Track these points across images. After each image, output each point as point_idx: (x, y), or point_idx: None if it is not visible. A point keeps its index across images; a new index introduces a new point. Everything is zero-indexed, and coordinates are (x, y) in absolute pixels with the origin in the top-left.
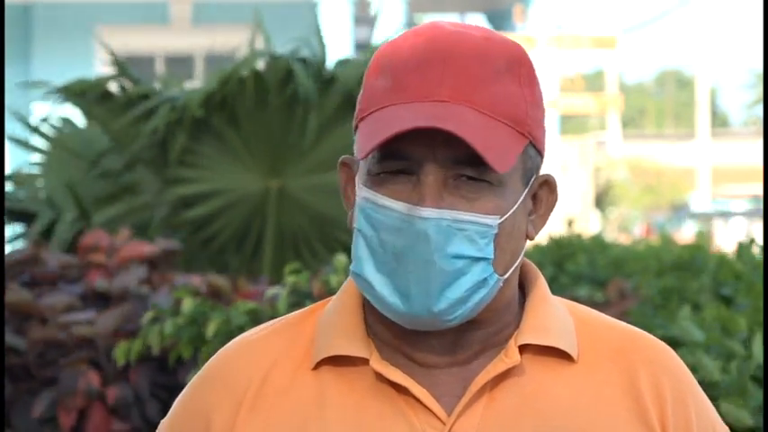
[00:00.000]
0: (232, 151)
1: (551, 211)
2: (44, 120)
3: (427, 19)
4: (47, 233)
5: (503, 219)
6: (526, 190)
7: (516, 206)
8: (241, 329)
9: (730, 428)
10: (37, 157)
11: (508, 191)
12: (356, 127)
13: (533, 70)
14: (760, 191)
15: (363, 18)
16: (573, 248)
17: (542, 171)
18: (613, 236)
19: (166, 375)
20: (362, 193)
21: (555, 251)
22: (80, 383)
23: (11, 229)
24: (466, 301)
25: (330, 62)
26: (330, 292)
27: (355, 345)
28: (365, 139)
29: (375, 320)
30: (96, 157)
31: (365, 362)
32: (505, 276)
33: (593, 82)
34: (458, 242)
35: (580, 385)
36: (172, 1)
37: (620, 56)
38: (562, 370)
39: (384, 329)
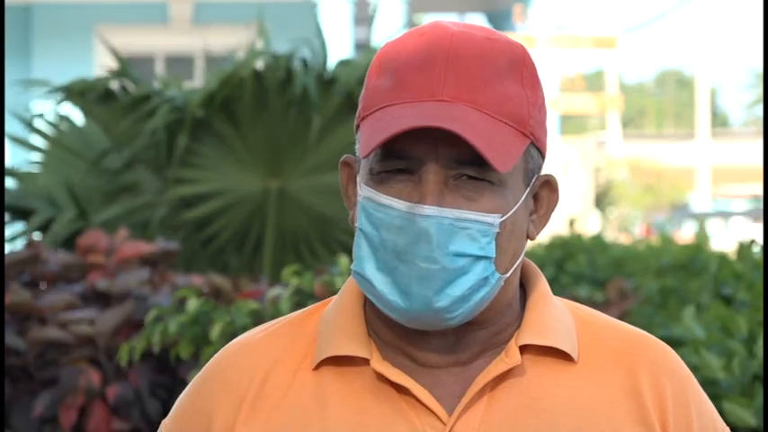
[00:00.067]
0: (232, 151)
1: (552, 211)
2: (40, 115)
3: (427, 19)
4: (45, 230)
5: (504, 217)
6: (527, 190)
7: (517, 206)
8: (244, 330)
9: (733, 429)
10: (36, 156)
11: (509, 191)
12: (358, 126)
13: (536, 71)
14: (760, 191)
15: (363, 18)
16: (573, 248)
17: (543, 171)
18: (613, 236)
19: (167, 374)
20: (364, 191)
21: (556, 251)
22: (81, 381)
23: (11, 229)
24: (467, 300)
25: (330, 62)
26: (334, 293)
27: (356, 345)
28: (367, 138)
29: (376, 320)
30: (96, 156)
31: (366, 362)
32: (506, 276)
33: (593, 82)
34: (459, 240)
35: (581, 385)
36: (172, 1)
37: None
38: (563, 370)
39: (385, 329)
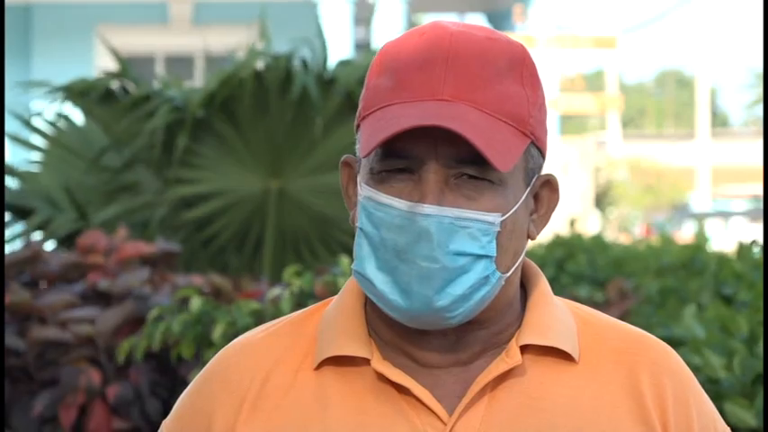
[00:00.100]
0: (232, 152)
1: (553, 210)
2: (38, 114)
3: (427, 19)
4: (45, 229)
5: (504, 216)
6: (528, 189)
7: (518, 205)
8: (246, 330)
9: (734, 429)
10: (36, 156)
11: (510, 190)
12: (358, 126)
13: (536, 71)
14: (760, 191)
15: (363, 18)
16: (573, 248)
17: (543, 171)
18: (613, 236)
19: (167, 374)
20: (364, 191)
21: (556, 251)
22: (81, 380)
23: (11, 230)
24: (468, 299)
25: (330, 63)
26: (335, 293)
27: (357, 345)
28: (367, 138)
29: (377, 320)
30: (96, 156)
31: (366, 362)
32: (507, 275)
33: (593, 82)
34: (460, 239)
35: (581, 385)
36: (172, 1)
37: (620, 56)
38: (563, 370)
39: (386, 329)
